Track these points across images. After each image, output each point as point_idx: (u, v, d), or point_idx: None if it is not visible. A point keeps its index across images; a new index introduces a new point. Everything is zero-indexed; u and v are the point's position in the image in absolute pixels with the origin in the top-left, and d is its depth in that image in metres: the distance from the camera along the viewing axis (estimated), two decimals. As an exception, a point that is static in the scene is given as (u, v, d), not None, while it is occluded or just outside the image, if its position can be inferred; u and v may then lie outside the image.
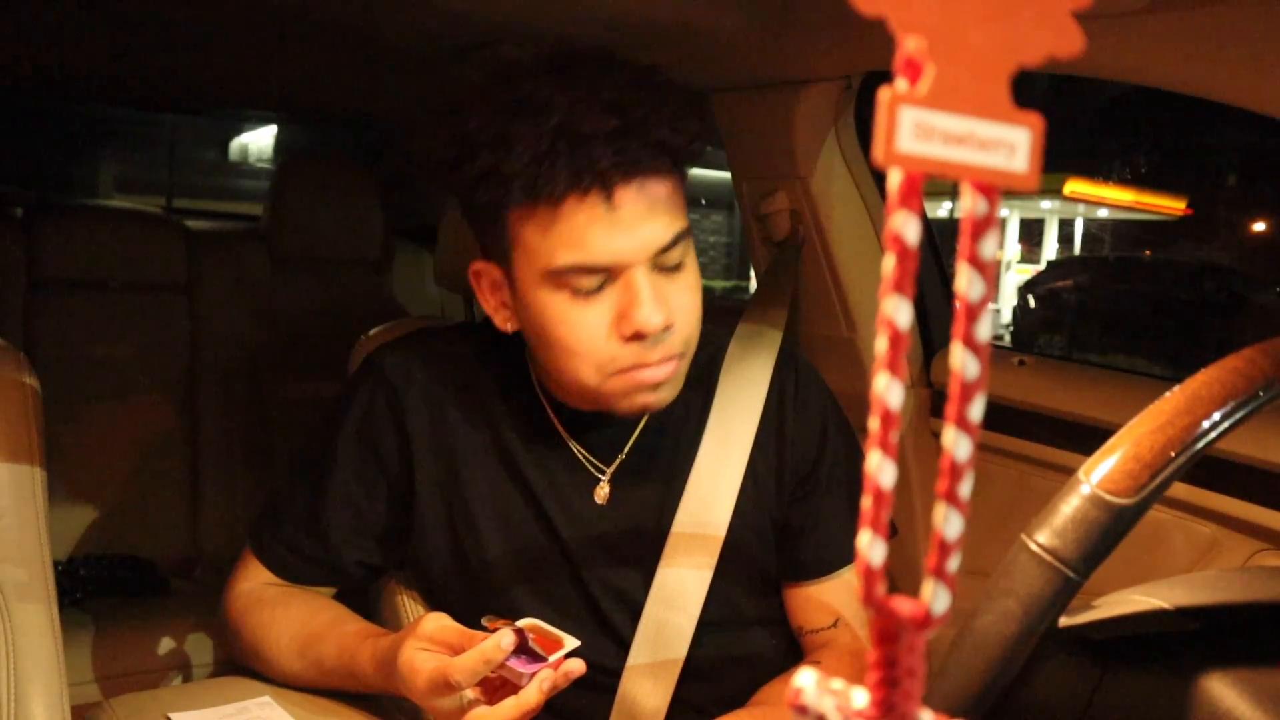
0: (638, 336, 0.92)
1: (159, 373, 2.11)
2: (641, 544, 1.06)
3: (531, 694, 0.84)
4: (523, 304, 0.97)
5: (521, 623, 0.87)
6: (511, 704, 0.85)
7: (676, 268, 0.95)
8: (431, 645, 0.89)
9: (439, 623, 0.90)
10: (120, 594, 1.89)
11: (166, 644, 1.76)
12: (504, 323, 1.01)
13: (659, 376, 0.95)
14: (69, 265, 2.08)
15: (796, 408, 1.11)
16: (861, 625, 1.09)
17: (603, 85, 0.89)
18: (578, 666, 0.86)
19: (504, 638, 0.84)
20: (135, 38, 1.74)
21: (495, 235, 0.96)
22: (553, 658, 0.86)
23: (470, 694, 0.88)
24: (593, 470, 1.06)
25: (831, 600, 1.09)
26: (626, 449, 1.07)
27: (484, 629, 0.88)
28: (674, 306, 0.94)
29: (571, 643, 0.88)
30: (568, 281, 0.92)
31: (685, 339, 0.96)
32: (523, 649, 0.86)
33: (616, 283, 0.92)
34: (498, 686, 0.89)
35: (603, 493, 1.06)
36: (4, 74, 2.21)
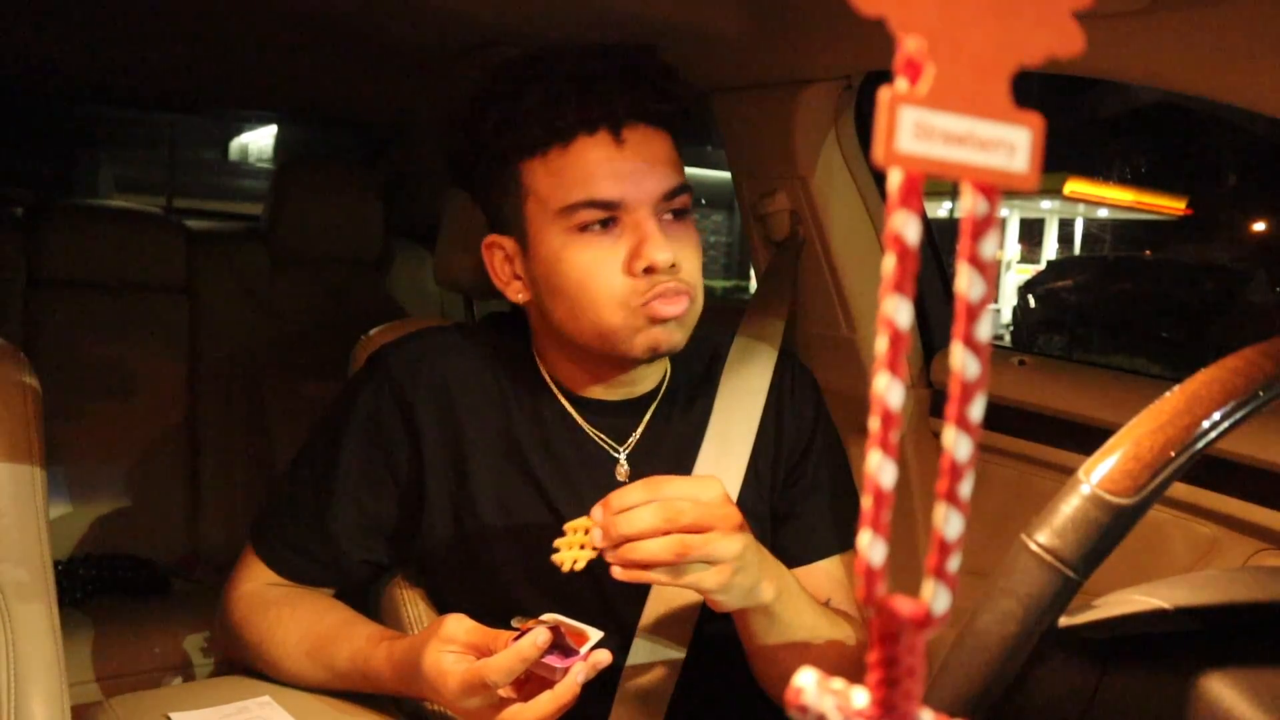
0: (649, 271, 0.96)
1: (159, 373, 2.11)
2: None
3: (568, 688, 0.86)
4: (537, 259, 1.01)
5: (547, 618, 0.88)
6: (548, 699, 0.86)
7: (680, 216, 1.01)
8: (457, 648, 0.89)
9: (462, 625, 0.91)
10: (120, 594, 1.89)
11: (166, 644, 1.76)
12: (516, 294, 1.06)
13: (673, 310, 0.99)
14: (69, 265, 2.08)
15: (793, 403, 1.15)
16: (849, 610, 1.10)
17: (608, 48, 0.99)
18: (605, 657, 0.88)
19: (539, 636, 0.85)
20: (135, 37, 1.74)
21: (508, 197, 1.02)
22: (583, 650, 0.87)
23: (502, 692, 0.88)
24: (609, 450, 1.07)
25: (818, 586, 1.10)
26: (639, 431, 1.09)
27: (511, 628, 0.89)
28: (679, 250, 0.99)
29: (596, 635, 0.89)
30: (580, 219, 0.97)
31: (692, 282, 1.01)
32: (553, 644, 0.87)
33: (625, 224, 0.97)
34: (524, 682, 0.89)
35: (623, 471, 1.07)
36: (4, 74, 2.21)
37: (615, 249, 0.97)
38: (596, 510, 0.85)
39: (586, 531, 0.87)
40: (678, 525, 0.83)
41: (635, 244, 0.97)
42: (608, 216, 0.97)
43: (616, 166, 0.96)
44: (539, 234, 1.00)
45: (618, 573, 0.83)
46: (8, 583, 0.91)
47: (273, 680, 1.07)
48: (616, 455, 1.08)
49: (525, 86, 0.96)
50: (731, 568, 0.85)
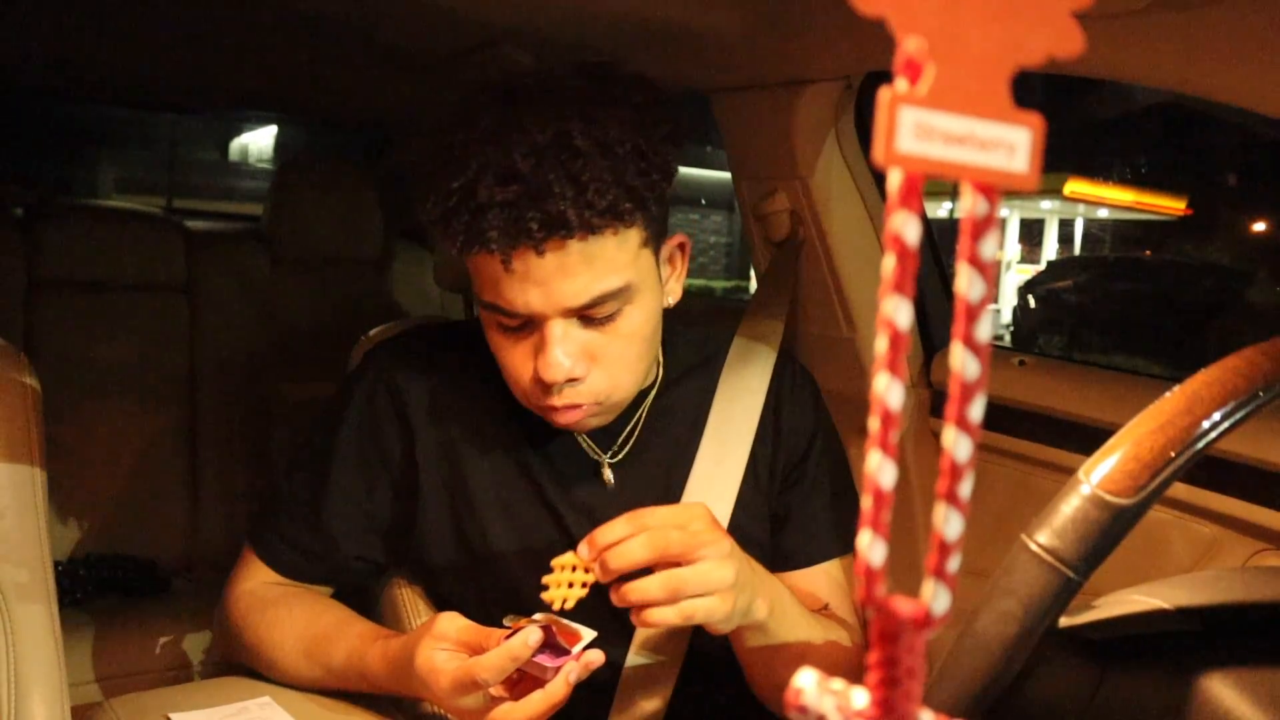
0: (544, 382, 0.94)
1: (159, 373, 2.11)
2: None
3: (559, 687, 0.86)
4: None
5: (539, 617, 0.88)
6: (539, 698, 0.86)
7: (605, 320, 0.94)
8: (450, 645, 0.90)
9: (455, 623, 0.91)
10: (120, 594, 1.89)
11: (166, 644, 1.76)
12: None
13: (565, 421, 0.97)
14: (69, 265, 2.08)
15: (791, 403, 1.14)
16: (848, 615, 1.10)
17: (516, 144, 0.88)
18: (597, 657, 0.88)
19: (530, 634, 0.85)
20: (135, 37, 1.74)
21: (440, 251, 1.00)
22: (574, 649, 0.87)
23: (493, 691, 0.88)
24: (593, 456, 1.07)
25: (816, 589, 1.10)
26: (627, 436, 1.09)
27: (504, 627, 0.89)
28: (596, 354, 0.95)
29: (589, 634, 0.89)
30: (491, 316, 0.96)
31: (602, 391, 0.97)
32: (545, 644, 0.87)
33: (535, 328, 0.94)
34: (516, 681, 0.89)
35: (608, 477, 1.07)
36: (4, 74, 2.21)
37: (525, 348, 0.96)
38: (583, 547, 0.85)
39: (574, 569, 0.87)
40: (668, 555, 0.83)
41: (537, 349, 0.94)
42: (516, 322, 0.94)
43: (513, 284, 0.91)
44: (479, 306, 0.99)
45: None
46: (8, 583, 0.91)
47: (272, 680, 1.07)
48: (600, 462, 1.08)
49: (427, 187, 0.93)
50: (730, 595, 0.85)
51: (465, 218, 0.89)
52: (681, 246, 1.06)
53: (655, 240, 0.98)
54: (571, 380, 0.94)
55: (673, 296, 1.05)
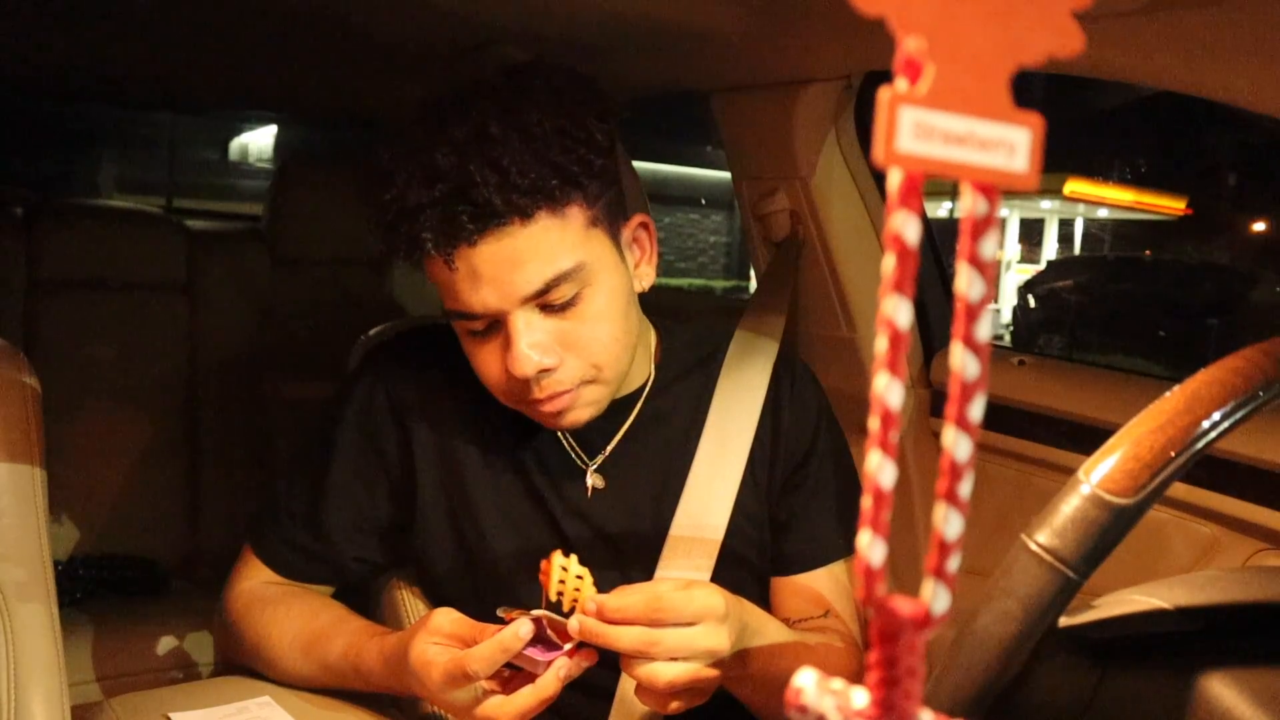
0: (518, 380, 0.94)
1: (159, 372, 2.11)
2: (639, 536, 1.06)
3: (549, 682, 0.85)
4: None
5: (534, 612, 0.87)
6: (529, 693, 0.85)
7: (567, 305, 0.93)
8: (443, 639, 0.90)
9: (449, 617, 0.91)
10: (120, 594, 1.89)
11: (166, 644, 1.76)
12: None
13: (550, 410, 0.97)
14: (69, 265, 2.08)
15: (792, 404, 1.13)
16: (850, 619, 1.10)
17: (439, 144, 0.89)
18: (591, 654, 0.87)
19: (522, 626, 0.84)
20: (135, 37, 1.74)
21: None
22: (567, 645, 0.86)
23: (484, 685, 0.88)
24: (579, 462, 1.07)
25: (820, 592, 1.09)
26: (615, 440, 1.08)
27: (498, 620, 0.89)
28: (568, 342, 0.94)
29: None
30: (458, 322, 0.96)
31: (580, 376, 0.95)
32: (537, 638, 0.86)
33: (502, 324, 0.94)
34: (509, 678, 0.89)
35: (592, 483, 1.06)
36: (4, 74, 2.21)
37: (494, 348, 0.96)
38: (573, 622, 0.84)
39: (565, 569, 0.87)
40: (658, 651, 0.83)
41: (504, 347, 0.94)
42: (481, 324, 0.94)
43: (464, 284, 0.91)
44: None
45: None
46: (8, 583, 0.91)
47: (271, 679, 1.07)
48: (586, 467, 1.07)
49: (372, 202, 0.94)
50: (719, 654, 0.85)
51: (402, 227, 0.90)
52: (644, 226, 1.05)
53: (607, 221, 0.97)
54: (545, 370, 0.93)
55: (646, 280, 1.04)
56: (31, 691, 0.89)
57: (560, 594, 0.86)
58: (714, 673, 0.86)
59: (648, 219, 1.05)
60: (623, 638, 0.82)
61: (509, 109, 0.90)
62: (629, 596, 0.84)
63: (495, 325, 0.94)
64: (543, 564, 0.88)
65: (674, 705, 0.86)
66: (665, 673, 0.83)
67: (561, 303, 0.93)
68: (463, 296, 0.92)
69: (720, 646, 0.85)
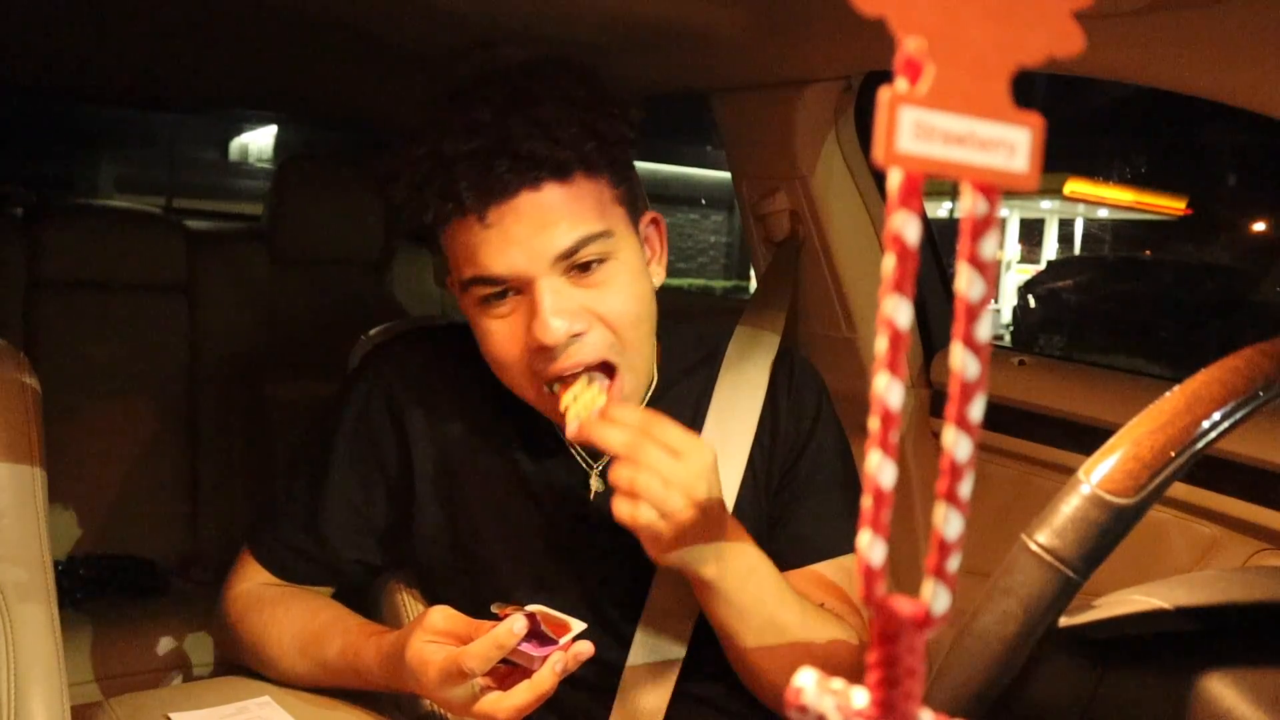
0: (542, 349, 0.92)
1: (159, 373, 2.11)
2: (638, 540, 1.06)
3: (545, 677, 0.85)
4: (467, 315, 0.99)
5: (529, 608, 0.88)
6: (525, 688, 0.86)
7: (591, 269, 0.93)
8: (439, 637, 0.90)
9: (444, 614, 0.91)
10: (120, 594, 1.89)
11: (166, 644, 1.76)
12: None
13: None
14: (69, 265, 2.08)
15: (790, 403, 1.12)
16: (845, 613, 1.09)
17: (472, 106, 0.90)
18: (587, 648, 0.87)
19: (516, 622, 0.85)
20: (135, 37, 1.74)
21: (439, 255, 1.01)
22: (562, 640, 0.87)
23: (481, 682, 0.88)
24: (583, 464, 1.07)
25: (810, 590, 1.09)
26: None
27: (493, 617, 0.89)
28: (592, 311, 0.93)
29: (579, 625, 0.89)
30: (476, 294, 0.94)
31: (610, 345, 0.94)
32: (532, 634, 0.87)
33: (525, 293, 0.92)
34: (506, 674, 0.89)
35: (595, 486, 1.06)
36: (4, 74, 2.21)
37: (514, 322, 0.93)
38: (573, 422, 0.89)
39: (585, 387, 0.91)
40: (637, 463, 0.85)
41: (529, 317, 0.92)
42: (502, 289, 0.93)
43: (493, 245, 0.90)
44: (461, 297, 0.97)
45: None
46: (8, 583, 0.91)
47: (271, 680, 1.07)
48: (590, 469, 1.07)
49: (399, 168, 0.93)
50: (670, 510, 0.86)
51: (436, 180, 0.89)
52: (655, 223, 1.05)
53: (629, 206, 0.98)
54: (575, 336, 0.92)
55: (656, 279, 1.04)
56: (31, 691, 0.89)
57: (568, 409, 0.89)
58: (671, 527, 0.86)
59: (659, 216, 1.06)
60: (611, 437, 0.86)
61: (548, 76, 0.92)
62: (633, 410, 0.89)
63: (515, 295, 0.93)
64: (559, 388, 0.92)
65: (640, 518, 0.86)
66: (644, 498, 0.85)
67: (588, 263, 0.92)
68: (488, 259, 0.91)
69: (690, 487, 0.85)
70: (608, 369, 0.95)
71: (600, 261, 0.93)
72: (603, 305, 0.93)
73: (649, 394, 1.10)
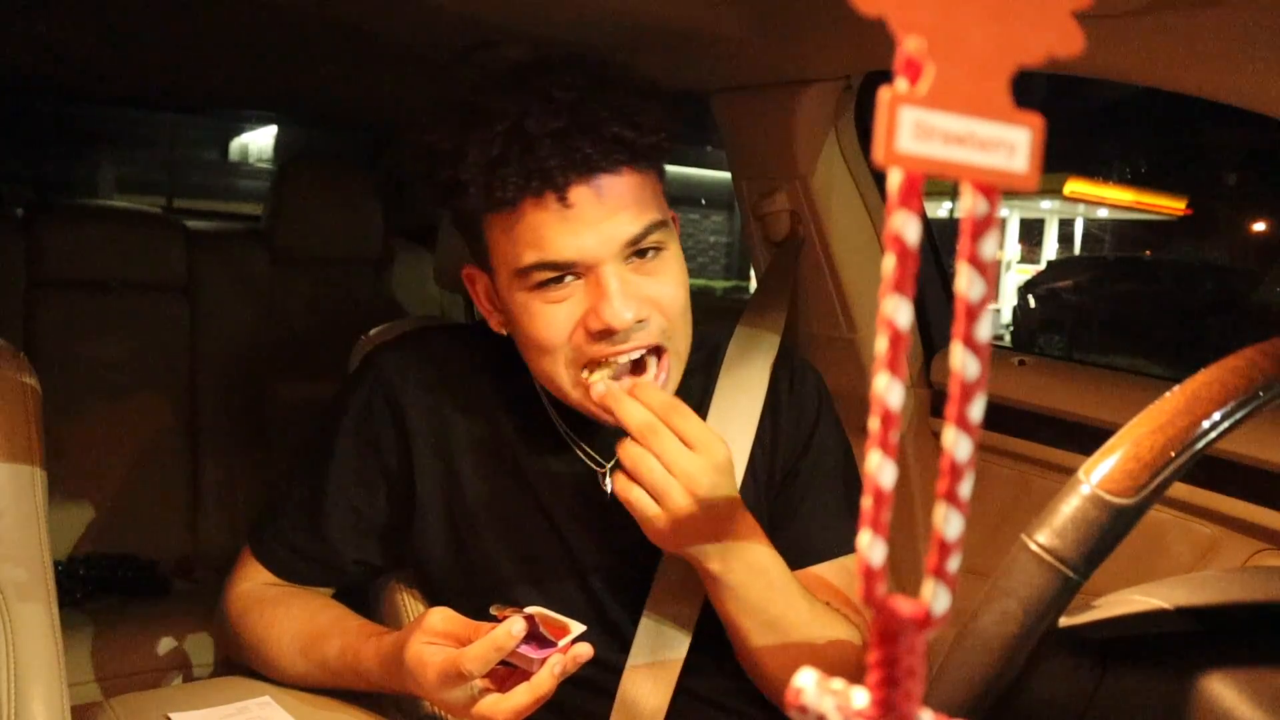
0: (607, 332, 0.92)
1: (159, 372, 2.11)
2: (642, 540, 1.06)
3: (544, 679, 0.85)
4: (504, 305, 0.99)
5: (528, 610, 0.88)
6: (524, 690, 0.86)
7: (652, 256, 0.95)
8: (438, 639, 0.90)
9: (443, 615, 0.91)
10: (120, 594, 1.89)
11: (166, 644, 1.76)
12: (497, 326, 1.03)
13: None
14: (69, 265, 2.08)
15: (790, 403, 1.12)
16: (850, 613, 1.09)
17: (553, 86, 0.91)
18: (585, 650, 0.88)
19: (515, 624, 0.85)
20: (135, 37, 1.74)
21: (476, 241, 0.99)
22: (561, 643, 0.87)
23: (480, 684, 0.88)
24: (593, 466, 1.07)
25: (811, 590, 1.09)
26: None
27: (492, 619, 0.89)
28: (651, 298, 0.95)
29: (578, 628, 0.89)
30: (535, 279, 0.93)
31: (663, 330, 0.96)
32: (531, 636, 0.87)
33: (586, 279, 0.93)
34: (505, 676, 0.89)
35: (608, 487, 1.06)
36: (4, 74, 2.21)
37: (573, 306, 0.93)
38: (600, 383, 0.93)
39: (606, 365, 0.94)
40: (648, 444, 0.87)
41: (594, 301, 0.92)
42: (565, 274, 0.93)
43: (567, 227, 0.90)
44: (504, 285, 0.97)
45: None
46: (8, 583, 0.91)
47: (271, 680, 1.07)
48: (600, 472, 1.07)
49: (465, 147, 0.91)
50: (674, 504, 0.88)
51: (517, 156, 0.89)
52: (674, 220, 1.06)
53: (666, 201, 1.00)
54: (640, 321, 0.93)
55: None
56: (31, 691, 0.89)
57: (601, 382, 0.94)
58: (666, 517, 0.88)
59: (676, 215, 1.07)
60: (632, 412, 0.88)
61: (616, 66, 0.96)
62: (660, 393, 0.91)
63: (575, 281, 0.93)
64: (587, 374, 0.96)
65: (634, 500, 0.89)
66: (643, 481, 0.88)
67: (646, 251, 0.94)
68: (556, 243, 0.91)
69: (693, 481, 0.87)
70: (657, 352, 0.97)
71: (658, 250, 0.95)
72: (659, 293, 0.95)
73: None
